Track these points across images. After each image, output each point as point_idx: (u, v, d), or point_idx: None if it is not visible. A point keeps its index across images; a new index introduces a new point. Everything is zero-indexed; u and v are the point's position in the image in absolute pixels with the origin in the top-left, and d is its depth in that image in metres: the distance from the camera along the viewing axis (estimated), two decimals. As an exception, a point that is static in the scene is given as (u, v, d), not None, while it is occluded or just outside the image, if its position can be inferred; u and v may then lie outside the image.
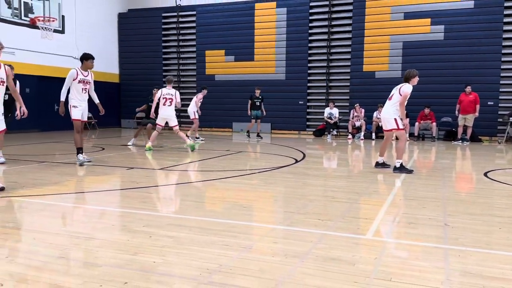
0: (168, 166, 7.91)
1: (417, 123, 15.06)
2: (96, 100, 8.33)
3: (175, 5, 19.75)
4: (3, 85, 5.58)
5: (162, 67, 20.21)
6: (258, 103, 14.91)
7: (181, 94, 19.69)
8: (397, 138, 7.86)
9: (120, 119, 20.97)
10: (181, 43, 20.04)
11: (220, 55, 19.01)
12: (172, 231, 3.81)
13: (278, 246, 3.44)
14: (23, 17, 12.36)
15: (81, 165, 7.66)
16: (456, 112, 14.23)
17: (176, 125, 10.36)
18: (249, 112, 14.89)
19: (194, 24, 19.57)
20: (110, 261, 3.06)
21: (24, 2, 12.40)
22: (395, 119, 7.36)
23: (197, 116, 13.79)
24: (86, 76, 7.97)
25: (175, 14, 19.83)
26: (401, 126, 7.39)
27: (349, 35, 17.30)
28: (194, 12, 19.46)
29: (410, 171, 7.31)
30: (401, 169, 7.29)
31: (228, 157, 9.63)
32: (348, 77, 17.41)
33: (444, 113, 15.51)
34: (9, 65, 6.63)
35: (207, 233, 3.74)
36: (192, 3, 19.55)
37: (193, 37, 19.67)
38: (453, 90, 15.05)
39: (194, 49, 19.66)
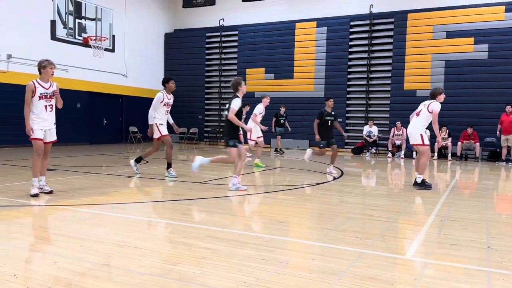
0: (208, 180, 8.07)
1: (459, 143, 14.59)
2: (171, 121, 8.59)
3: (218, 25, 20.32)
4: (54, 98, 6.08)
5: (205, 84, 20.74)
6: (282, 121, 15.29)
7: (221, 110, 20.31)
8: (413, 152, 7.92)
9: (163, 134, 21.59)
10: (223, 61, 20.51)
11: (260, 73, 19.29)
12: (210, 243, 3.90)
13: (315, 263, 3.45)
14: (76, 37, 13.12)
15: (174, 177, 8.08)
16: (498, 132, 13.72)
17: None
18: (273, 129, 15.24)
19: (236, 43, 20.03)
20: (152, 270, 3.18)
21: (78, 22, 13.18)
22: (421, 135, 7.45)
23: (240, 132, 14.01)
24: (169, 99, 8.35)
25: (218, 34, 20.38)
26: (426, 142, 7.44)
27: (390, 54, 17.13)
28: (236, 32, 19.93)
29: (429, 187, 7.30)
30: (421, 185, 7.35)
31: (266, 173, 9.69)
32: (389, 95, 17.17)
33: (488, 133, 14.93)
34: None
35: (244, 246, 3.80)
36: (234, 23, 20.03)
37: (235, 55, 20.10)
38: (497, 110, 14.51)
39: (235, 67, 20.06)
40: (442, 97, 7.46)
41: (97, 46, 13.75)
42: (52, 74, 6.03)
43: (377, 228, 4.66)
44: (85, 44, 13.57)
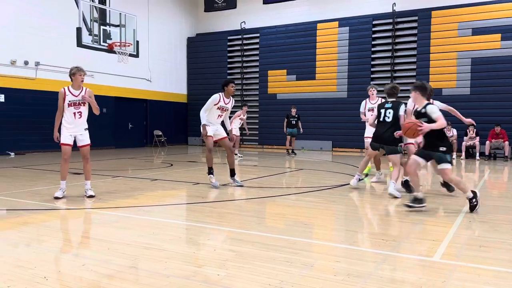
0: (231, 182, 8.09)
1: (488, 142, 14.22)
2: (229, 127, 8.04)
3: (240, 28, 20.42)
4: (84, 105, 6.29)
5: (226, 87, 20.83)
6: (294, 122, 15.34)
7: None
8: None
9: (187, 137, 21.84)
10: (244, 64, 20.59)
11: (282, 74, 19.28)
12: (235, 245, 3.91)
13: (340, 265, 3.41)
14: (102, 43, 13.40)
15: (214, 187, 7.43)
16: None
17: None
18: (285, 130, 15.37)
19: (257, 46, 20.09)
20: (177, 272, 3.21)
21: (103, 29, 13.45)
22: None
23: (238, 133, 14.01)
24: (227, 104, 7.59)
25: (240, 36, 20.48)
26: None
27: (414, 52, 16.85)
28: (258, 34, 19.98)
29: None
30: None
31: (289, 174, 9.66)
32: (414, 95, 16.89)
33: (517, 131, 14.51)
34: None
35: (268, 248, 3.80)
36: (255, 25, 20.10)
37: (256, 57, 20.15)
38: (526, 108, 14.10)
39: (257, 69, 20.12)
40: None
41: (121, 52, 13.99)
42: (82, 81, 6.23)
43: (403, 230, 4.58)
44: (110, 50, 13.83)
